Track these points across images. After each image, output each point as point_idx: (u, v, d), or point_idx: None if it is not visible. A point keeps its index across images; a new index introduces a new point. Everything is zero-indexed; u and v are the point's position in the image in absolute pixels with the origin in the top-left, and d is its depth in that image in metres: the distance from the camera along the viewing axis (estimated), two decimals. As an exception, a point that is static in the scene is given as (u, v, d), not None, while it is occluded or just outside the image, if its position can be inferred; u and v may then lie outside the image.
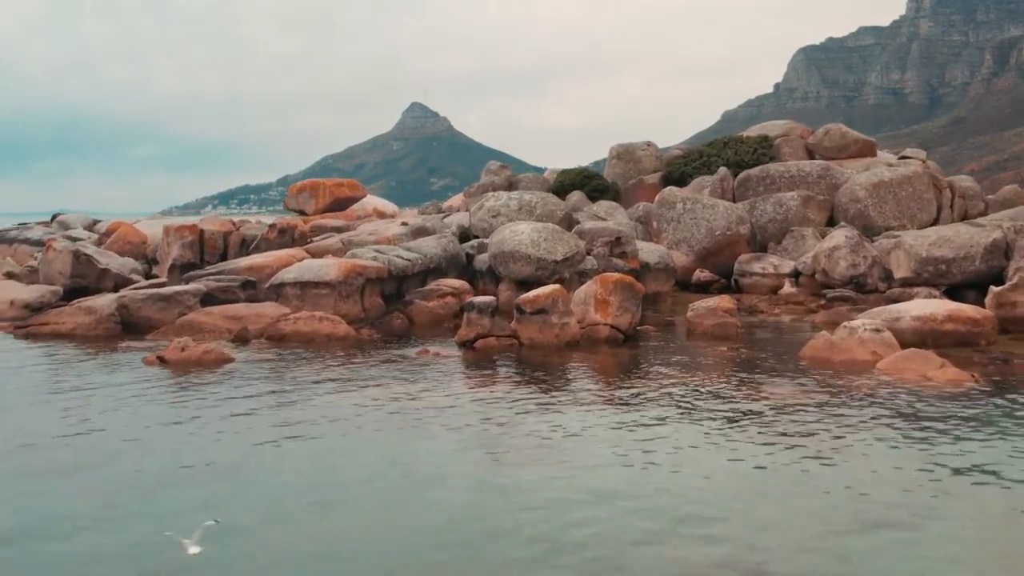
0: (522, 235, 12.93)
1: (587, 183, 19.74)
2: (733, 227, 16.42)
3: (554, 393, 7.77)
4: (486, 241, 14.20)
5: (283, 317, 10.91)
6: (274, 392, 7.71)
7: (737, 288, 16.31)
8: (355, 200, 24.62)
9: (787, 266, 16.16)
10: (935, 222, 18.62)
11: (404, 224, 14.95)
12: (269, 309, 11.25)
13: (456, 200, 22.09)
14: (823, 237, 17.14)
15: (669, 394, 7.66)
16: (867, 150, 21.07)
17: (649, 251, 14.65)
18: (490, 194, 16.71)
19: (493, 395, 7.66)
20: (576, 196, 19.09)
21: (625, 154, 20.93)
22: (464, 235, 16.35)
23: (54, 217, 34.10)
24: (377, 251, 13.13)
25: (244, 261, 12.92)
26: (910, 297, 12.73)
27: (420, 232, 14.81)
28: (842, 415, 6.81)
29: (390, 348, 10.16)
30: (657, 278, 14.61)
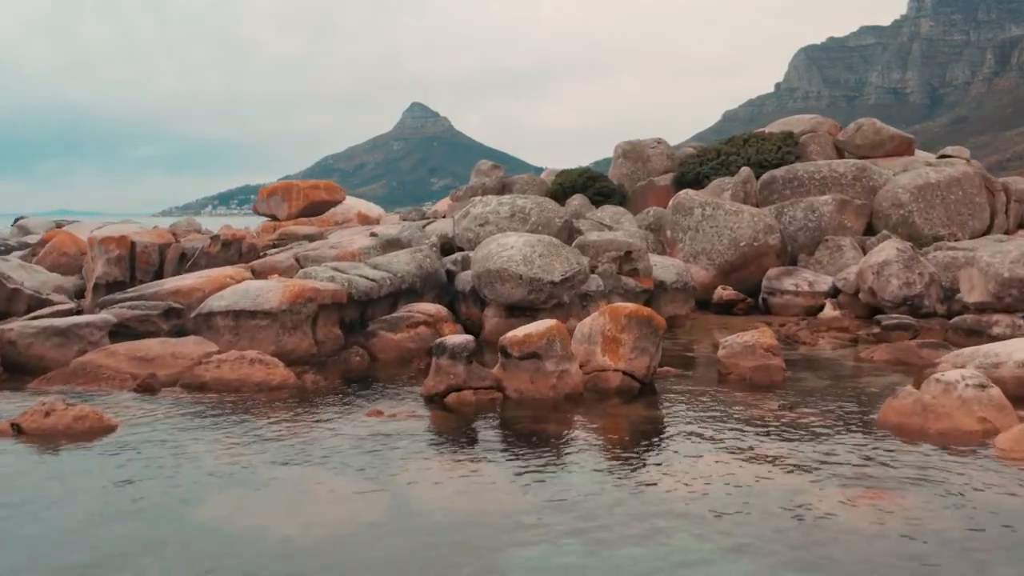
0: (512, 249, 10.60)
1: (590, 185, 17.41)
2: (761, 237, 14.07)
3: (549, 499, 5.43)
4: (471, 255, 11.86)
5: (205, 358, 8.56)
6: (138, 501, 5.34)
7: (765, 308, 13.99)
8: (332, 204, 22.29)
9: (824, 283, 13.83)
10: (988, 230, 16.30)
11: (373, 235, 12.60)
12: (190, 347, 8.91)
13: (443, 204, 19.79)
14: (862, 248, 14.82)
15: (720, 503, 5.32)
16: (904, 148, 18.74)
17: (665, 267, 12.31)
18: (477, 199, 14.37)
19: (455, 502, 5.31)
20: (578, 200, 16.75)
21: (632, 152, 18.59)
22: (448, 247, 14.02)
23: (16, 221, 31.83)
24: (336, 269, 10.79)
25: (170, 283, 10.55)
26: (989, 326, 10.39)
27: (392, 245, 12.46)
28: (981, 550, 4.50)
29: (336, 403, 7.81)
30: (675, 300, 12.26)
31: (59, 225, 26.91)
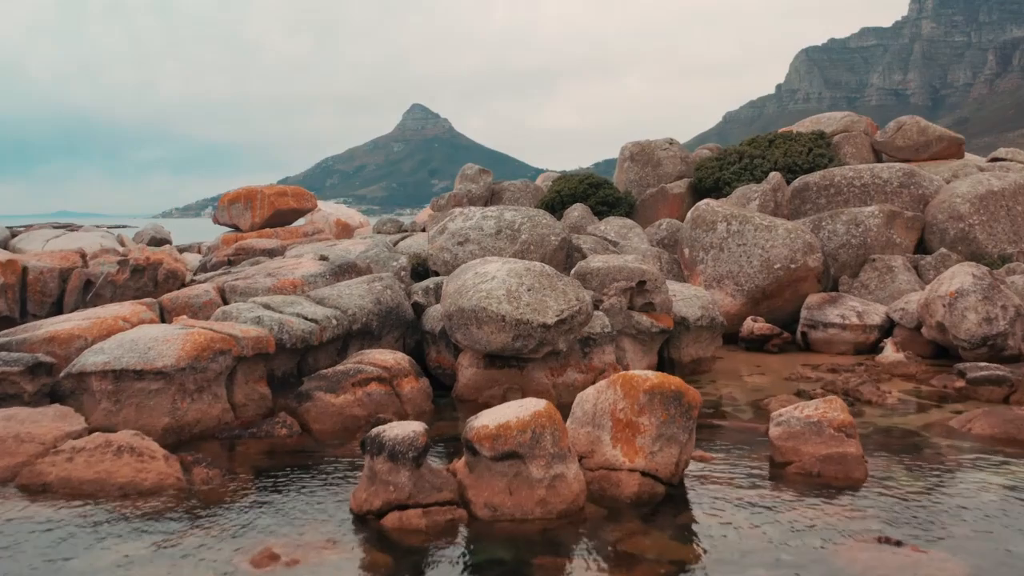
0: (493, 281, 8.17)
1: (592, 193, 14.98)
2: (799, 258, 11.64)
3: None
4: (444, 284, 9.41)
5: (57, 444, 6.14)
6: None
7: (805, 344, 11.57)
8: (302, 212, 19.87)
9: (876, 314, 11.42)
10: (1061, 247, 13.86)
11: (323, 259, 10.15)
12: (46, 423, 6.47)
13: (424, 215, 17.38)
14: (915, 268, 12.42)
15: None
16: (953, 150, 16.34)
17: (687, 300, 9.86)
18: (457, 211, 11.93)
19: None
20: (578, 211, 14.31)
21: (641, 155, 16.15)
22: (423, 269, 11.61)
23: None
24: (267, 307, 8.36)
25: (45, 327, 8.10)
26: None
27: (346, 271, 10.01)
28: None
29: (220, 526, 5.37)
30: (698, 339, 9.83)
31: (13, 234, 24.61)
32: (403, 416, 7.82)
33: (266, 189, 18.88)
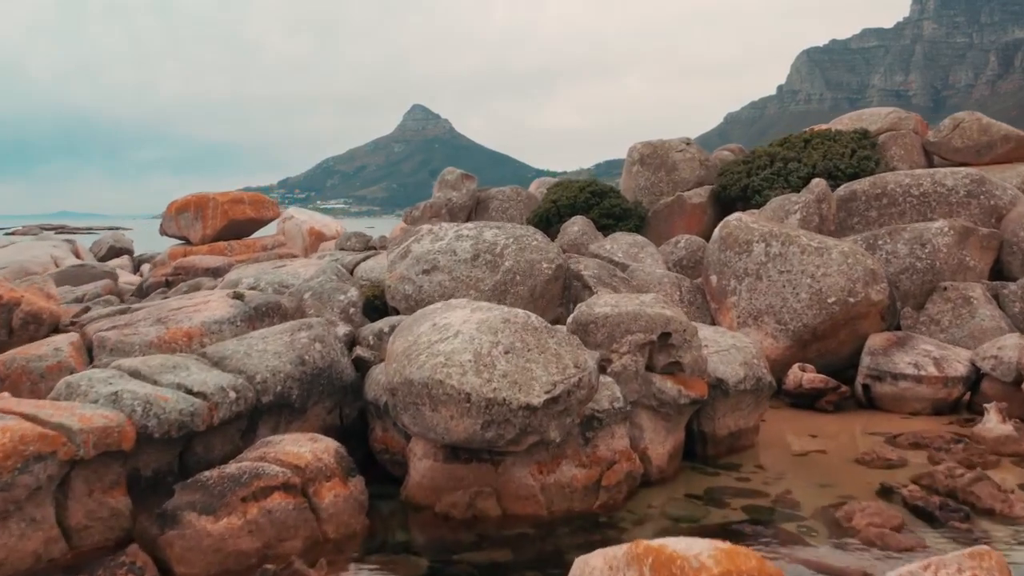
0: (456, 339, 5.68)
1: (595, 204, 12.48)
2: (859, 289, 9.14)
3: None
4: (393, 337, 6.89)
5: None
6: None
7: (867, 399, 9.10)
8: (262, 222, 17.36)
9: (959, 361, 8.94)
10: None
11: (237, 297, 7.60)
12: None
13: (398, 229, 14.88)
14: (996, 299, 9.97)
15: None
16: (1021, 152, 13.85)
17: (724, 352, 7.31)
18: (425, 228, 9.42)
19: None
20: (578, 226, 11.82)
21: (653, 157, 13.65)
22: (379, 302, 9.15)
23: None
24: (135, 375, 5.87)
25: None
26: None
27: (267, 314, 7.48)
28: None
29: None
30: (740, 406, 7.32)
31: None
32: (320, 543, 5.32)
33: (219, 196, 16.37)
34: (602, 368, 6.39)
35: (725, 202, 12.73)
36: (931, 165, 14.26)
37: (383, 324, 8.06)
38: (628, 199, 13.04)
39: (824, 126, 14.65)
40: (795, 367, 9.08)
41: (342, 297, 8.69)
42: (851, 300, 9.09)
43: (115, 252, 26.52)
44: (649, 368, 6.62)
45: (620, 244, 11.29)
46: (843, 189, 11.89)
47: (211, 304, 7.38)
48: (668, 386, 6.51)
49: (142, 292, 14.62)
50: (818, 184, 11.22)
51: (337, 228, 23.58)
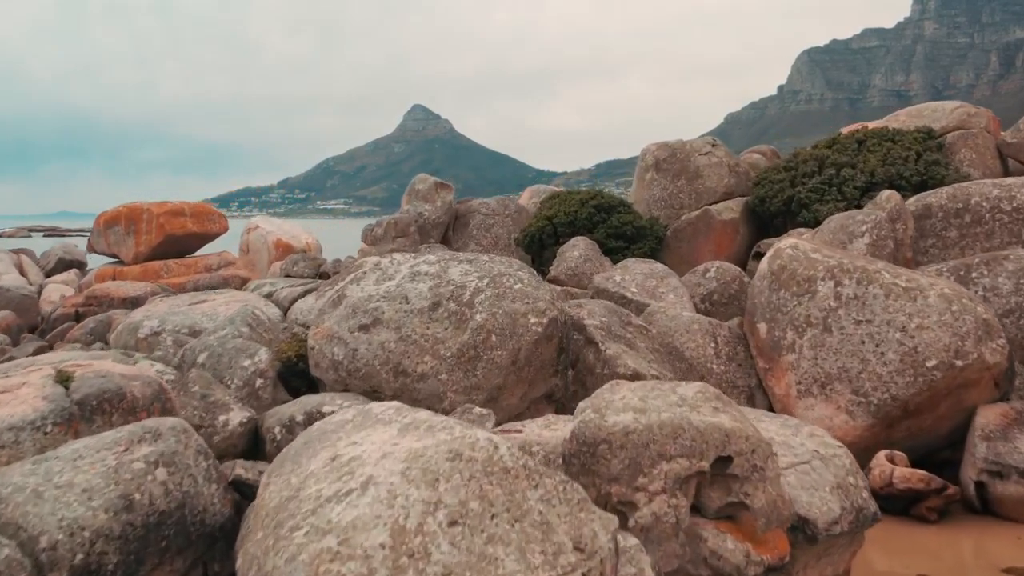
0: (362, 501, 3.13)
1: (601, 220, 9.87)
2: (969, 348, 6.58)
3: None
4: (263, 489, 4.35)
5: None
6: None
7: (981, 503, 6.55)
8: (208, 237, 14.79)
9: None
10: None
11: (61, 381, 5.03)
12: None
13: (360, 252, 12.23)
14: None
15: None
16: (1122, 155, 11.29)
17: (806, 472, 4.75)
18: (369, 263, 6.82)
19: None
20: (580, 250, 9.25)
21: (671, 161, 11.05)
22: (303, 365, 6.60)
23: None
24: None
25: None
26: None
27: (97, 411, 4.90)
28: None
29: None
30: (828, 552, 4.75)
31: None
32: None
33: (154, 207, 13.80)
34: (621, 516, 3.85)
35: (764, 218, 10.20)
36: (1007, 172, 11.75)
37: (296, 409, 5.53)
38: (641, 214, 10.47)
39: (876, 123, 12.10)
40: (881, 457, 6.54)
41: (247, 363, 6.15)
42: (958, 363, 6.54)
43: (65, 265, 23.91)
44: (697, 510, 4.08)
45: (634, 275, 8.74)
46: (914, 203, 9.34)
47: (20, 393, 4.82)
48: (729, 545, 3.97)
49: (49, 326, 12.10)
50: (891, 198, 8.66)
51: (308, 240, 21.03)
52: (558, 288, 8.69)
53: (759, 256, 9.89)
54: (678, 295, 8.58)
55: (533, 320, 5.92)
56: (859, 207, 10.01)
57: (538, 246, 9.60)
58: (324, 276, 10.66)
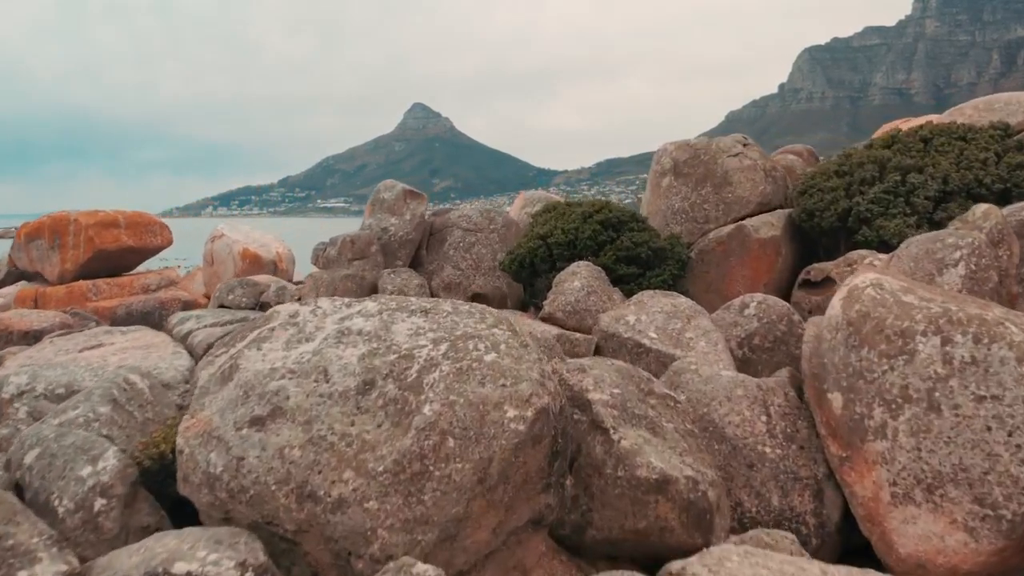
0: None
1: (609, 241, 7.73)
2: None
3: None
4: None
5: None
6: None
7: None
8: (147, 252, 12.72)
9: None
10: None
11: None
12: None
13: (310, 279, 10.04)
14: None
15: None
16: None
17: None
18: (283, 312, 4.78)
19: None
20: (581, 280, 7.16)
21: (694, 164, 8.93)
22: (175, 463, 4.45)
23: None
24: None
25: None
26: None
27: None
28: None
29: None
30: None
31: None
32: None
33: (83, 217, 11.71)
34: None
35: (812, 234, 8.15)
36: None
37: (134, 565, 3.50)
38: (657, 229, 8.36)
39: (942, 119, 10.02)
40: (1021, 597, 4.50)
41: (86, 471, 4.12)
42: None
43: (15, 277, 21.84)
44: None
45: (652, 313, 6.68)
46: (1013, 216, 7.28)
47: None
48: None
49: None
50: (989, 214, 6.60)
51: (279, 250, 18.98)
52: (553, 332, 6.64)
53: (808, 285, 7.84)
54: (710, 341, 6.53)
55: (512, 414, 3.86)
56: (933, 222, 7.97)
57: (529, 272, 7.56)
58: (264, 307, 8.61)
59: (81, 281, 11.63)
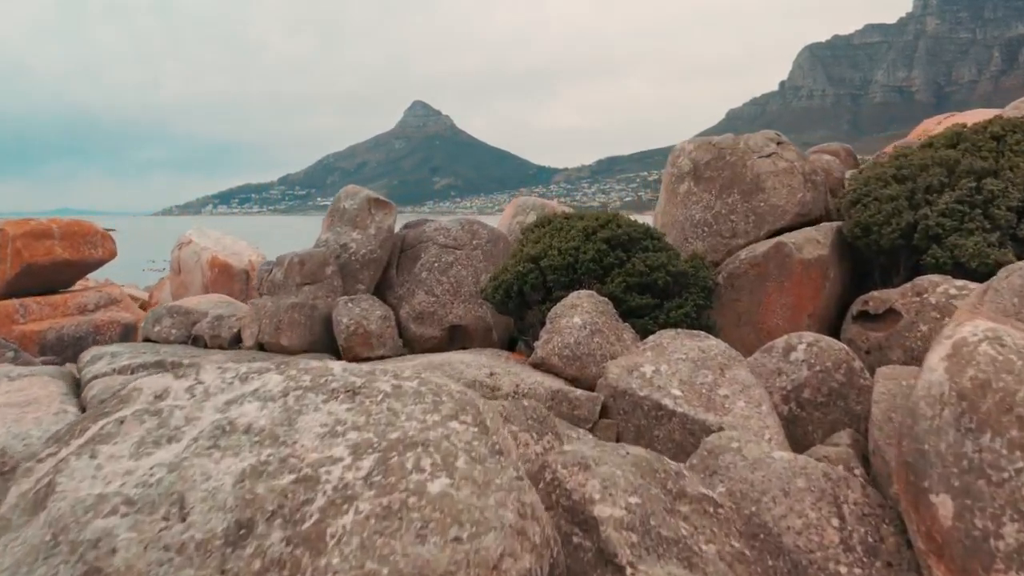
0: None
1: (618, 264, 6.19)
2: None
3: None
4: None
5: None
6: None
7: None
8: (88, 266, 11.17)
9: None
10: None
11: None
12: None
13: (250, 308, 8.43)
14: None
15: None
16: None
17: None
18: (144, 390, 3.25)
19: None
20: (583, 315, 5.60)
21: (719, 166, 7.35)
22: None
23: None
24: None
25: None
26: None
27: None
28: None
29: None
30: None
31: None
32: None
33: (10, 226, 10.08)
34: None
35: (867, 255, 6.62)
36: None
37: None
38: (672, 245, 6.79)
39: (1010, 112, 8.47)
40: None
41: None
42: None
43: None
44: None
45: (674, 362, 5.14)
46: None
47: None
48: None
49: None
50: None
51: (252, 257, 17.46)
52: (546, 385, 5.10)
53: (866, 318, 6.30)
54: (751, 400, 4.99)
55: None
56: (1016, 239, 6.43)
57: (517, 303, 6.03)
58: (197, 342, 7.09)
59: (8, 300, 10.10)
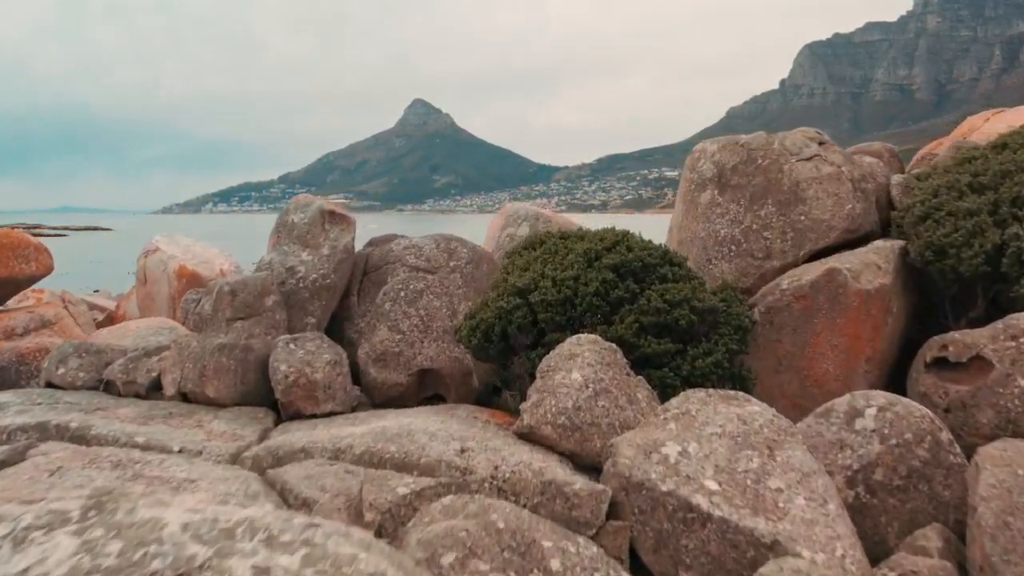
0: None
1: (629, 296, 4.86)
2: None
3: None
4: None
5: None
6: None
7: None
8: (19, 283, 9.80)
9: None
10: None
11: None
12: None
13: (176, 341, 7.11)
14: None
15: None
16: None
17: None
18: None
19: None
20: (584, 370, 4.28)
21: (748, 171, 5.98)
22: None
23: None
24: None
25: None
26: None
27: None
28: None
29: None
30: None
31: None
32: None
33: (-75, 238, 8.78)
34: None
35: (940, 283, 5.27)
36: None
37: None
38: (697, 270, 5.44)
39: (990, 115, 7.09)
40: None
41: None
42: None
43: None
44: None
45: (707, 440, 3.81)
46: None
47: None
48: None
49: None
50: None
51: (223, 265, 16.06)
52: (533, 475, 3.74)
53: (942, 366, 4.96)
54: (813, 495, 3.65)
55: None
56: None
57: (500, 349, 4.69)
58: (111, 388, 5.75)
59: (-78, 323, 8.75)
